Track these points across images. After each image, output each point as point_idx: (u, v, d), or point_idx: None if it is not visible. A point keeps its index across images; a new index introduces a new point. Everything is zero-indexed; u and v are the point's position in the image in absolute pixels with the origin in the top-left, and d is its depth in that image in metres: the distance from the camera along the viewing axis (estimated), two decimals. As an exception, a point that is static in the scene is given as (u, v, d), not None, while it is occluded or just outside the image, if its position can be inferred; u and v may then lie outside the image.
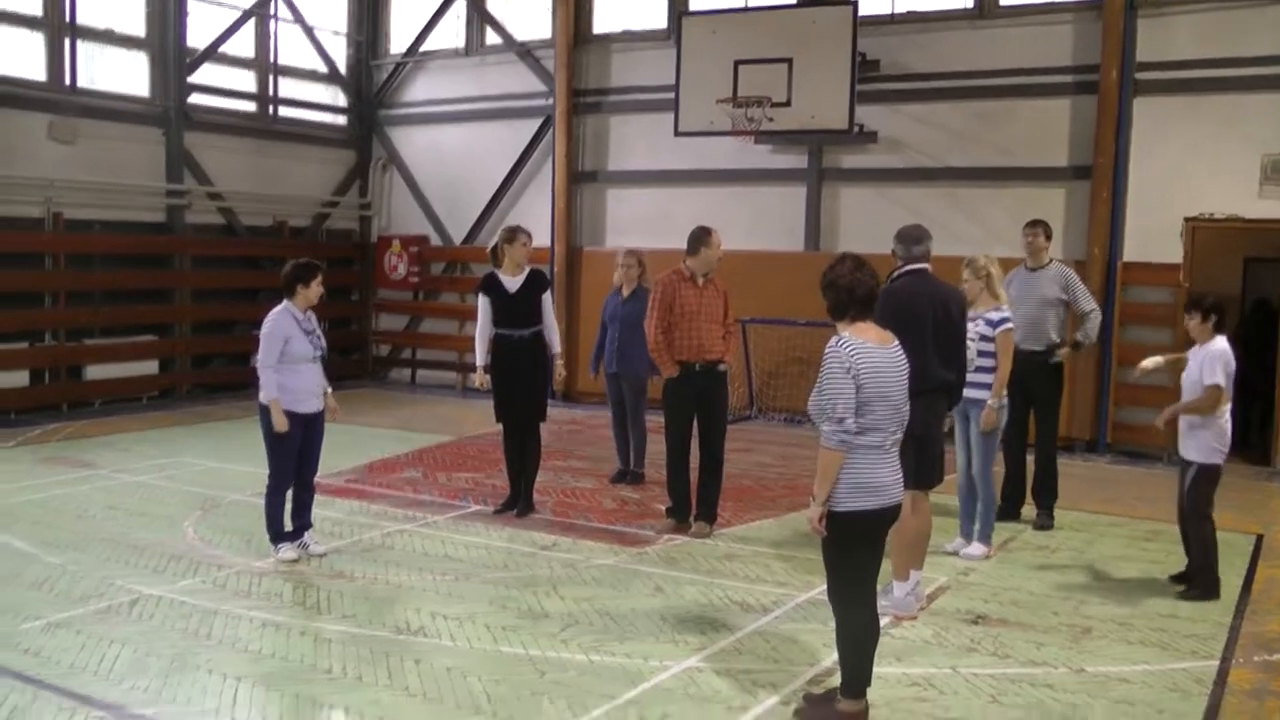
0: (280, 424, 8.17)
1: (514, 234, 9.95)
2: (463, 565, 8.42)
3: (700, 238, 9.42)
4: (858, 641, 5.58)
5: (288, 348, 8.27)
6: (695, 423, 9.44)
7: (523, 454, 10.05)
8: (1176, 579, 8.16)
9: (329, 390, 8.67)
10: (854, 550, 5.53)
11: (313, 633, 6.84)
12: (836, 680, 5.80)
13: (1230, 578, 8.27)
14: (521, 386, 9.87)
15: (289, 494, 8.48)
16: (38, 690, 5.90)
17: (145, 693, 5.91)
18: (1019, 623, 7.33)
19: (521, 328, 9.82)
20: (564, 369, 10.43)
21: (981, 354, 8.59)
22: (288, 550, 8.42)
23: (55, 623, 6.93)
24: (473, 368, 10.36)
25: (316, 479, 8.77)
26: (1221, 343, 7.82)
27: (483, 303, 9.92)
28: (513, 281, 9.86)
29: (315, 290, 8.47)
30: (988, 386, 8.59)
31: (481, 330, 9.92)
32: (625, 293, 11.43)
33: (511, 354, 9.83)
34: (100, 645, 6.58)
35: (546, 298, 9.97)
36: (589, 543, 9.11)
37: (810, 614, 7.33)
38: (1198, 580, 7.94)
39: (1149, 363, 8.44)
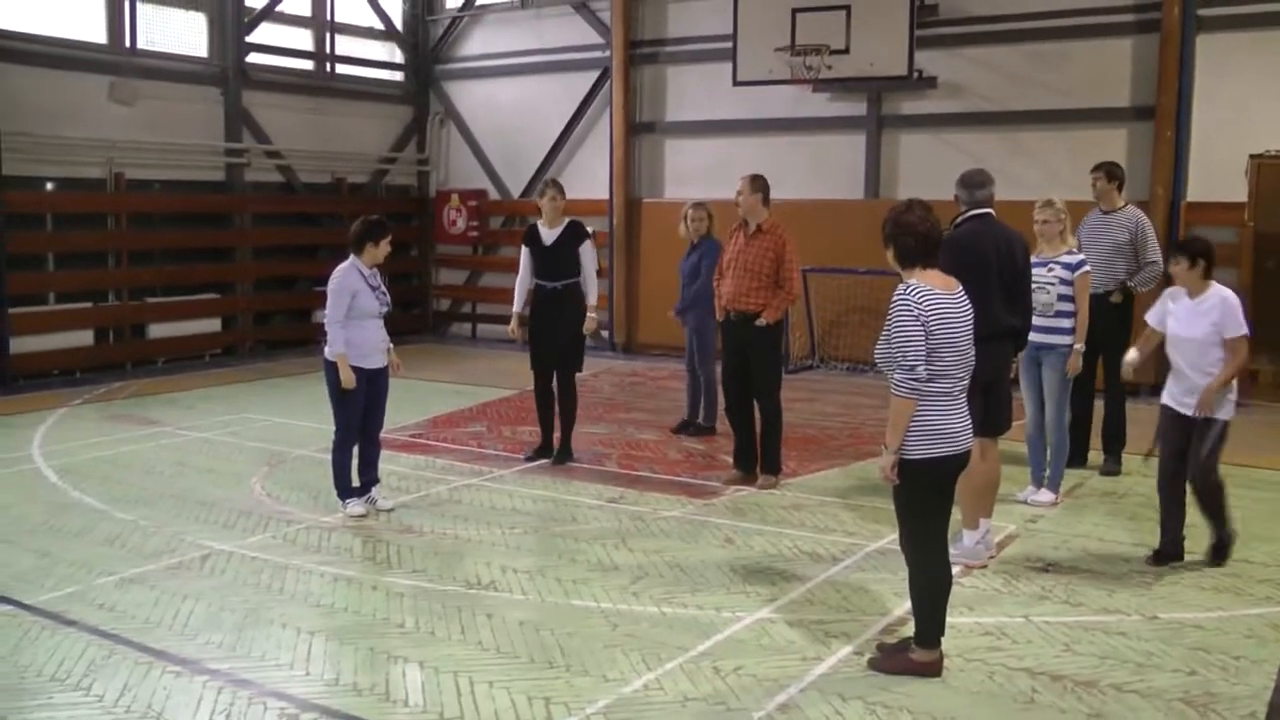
0: (348, 379, 8.22)
1: (544, 188, 10.17)
2: (530, 519, 8.46)
3: None
4: (930, 590, 5.57)
5: (355, 303, 8.30)
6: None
7: (558, 403, 10.19)
8: (1158, 558, 7.39)
9: (391, 346, 8.68)
10: (925, 498, 5.51)
11: (384, 587, 6.89)
12: (909, 630, 5.79)
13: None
14: (554, 336, 9.98)
15: (355, 449, 8.53)
16: (114, 645, 5.98)
17: (220, 647, 5.98)
18: (1090, 570, 7.26)
19: (555, 279, 9.96)
20: (595, 319, 10.31)
21: (1062, 298, 8.48)
22: (355, 505, 8.48)
23: (128, 578, 7.03)
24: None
25: (382, 434, 8.82)
26: (1225, 290, 7.08)
27: (524, 254, 10.21)
28: (550, 234, 10.01)
29: (384, 249, 8.51)
30: (1069, 331, 8.50)
31: (521, 280, 10.25)
32: (692, 245, 11.39)
33: (545, 304, 10.02)
34: (174, 600, 6.66)
35: (585, 248, 10.00)
36: (656, 495, 9.11)
37: (880, 564, 7.30)
38: (1218, 546, 7.32)
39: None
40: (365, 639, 6.07)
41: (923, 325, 5.31)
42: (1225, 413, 7.09)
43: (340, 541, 7.85)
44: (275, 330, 17.81)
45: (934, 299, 5.37)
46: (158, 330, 15.96)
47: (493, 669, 5.67)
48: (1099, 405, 9.90)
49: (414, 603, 6.62)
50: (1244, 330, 6.99)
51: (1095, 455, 9.90)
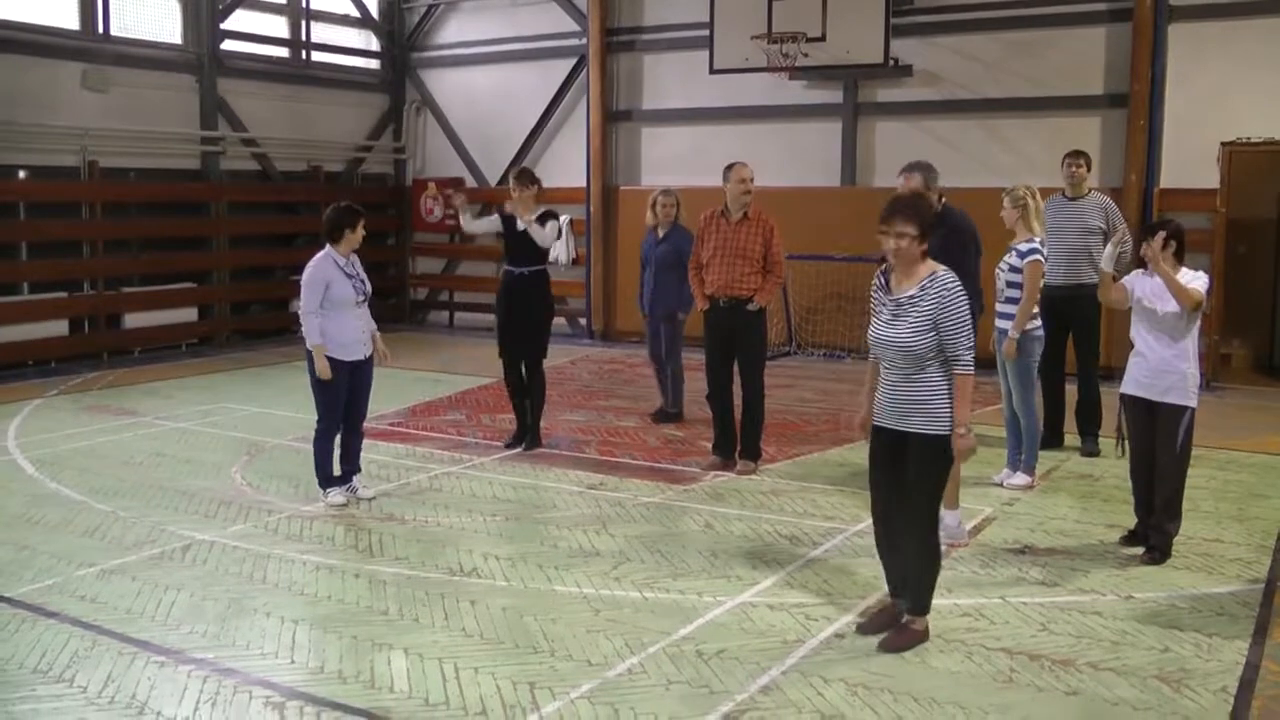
0: (323, 370, 8.23)
1: (530, 179, 10.21)
2: (511, 506, 8.49)
3: (724, 173, 9.41)
4: (935, 561, 5.83)
5: (330, 293, 8.28)
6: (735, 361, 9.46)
7: (526, 390, 10.25)
8: (1132, 538, 7.41)
9: (377, 334, 8.65)
10: (946, 474, 5.78)
11: (367, 575, 6.92)
12: (872, 602, 5.91)
13: (1275, 500, 8.34)
14: (520, 323, 10.07)
15: (338, 439, 8.54)
16: (97, 636, 5.98)
17: (204, 637, 5.99)
18: (1065, 551, 7.35)
19: (523, 265, 10.02)
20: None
21: (1010, 284, 8.59)
22: (336, 494, 8.49)
23: (109, 569, 7.02)
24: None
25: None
26: (1193, 273, 7.04)
27: (498, 220, 10.31)
28: (522, 221, 10.04)
29: (359, 235, 8.47)
30: (1007, 317, 8.63)
31: (478, 222, 10.53)
32: (661, 233, 11.41)
33: (512, 290, 10.08)
34: (156, 591, 6.66)
35: (549, 228, 10.02)
36: (635, 481, 9.16)
37: (859, 548, 7.35)
38: (1157, 538, 7.19)
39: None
40: (349, 627, 6.10)
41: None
42: (1191, 399, 7.02)
43: (322, 530, 7.87)
44: (252, 320, 17.78)
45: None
46: (133, 320, 15.91)
47: (477, 654, 5.71)
48: (1072, 390, 10.01)
49: (397, 590, 6.65)
50: (1206, 288, 7.04)
51: (1073, 439, 10.03)
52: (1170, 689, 5.32)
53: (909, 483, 5.70)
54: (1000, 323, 8.65)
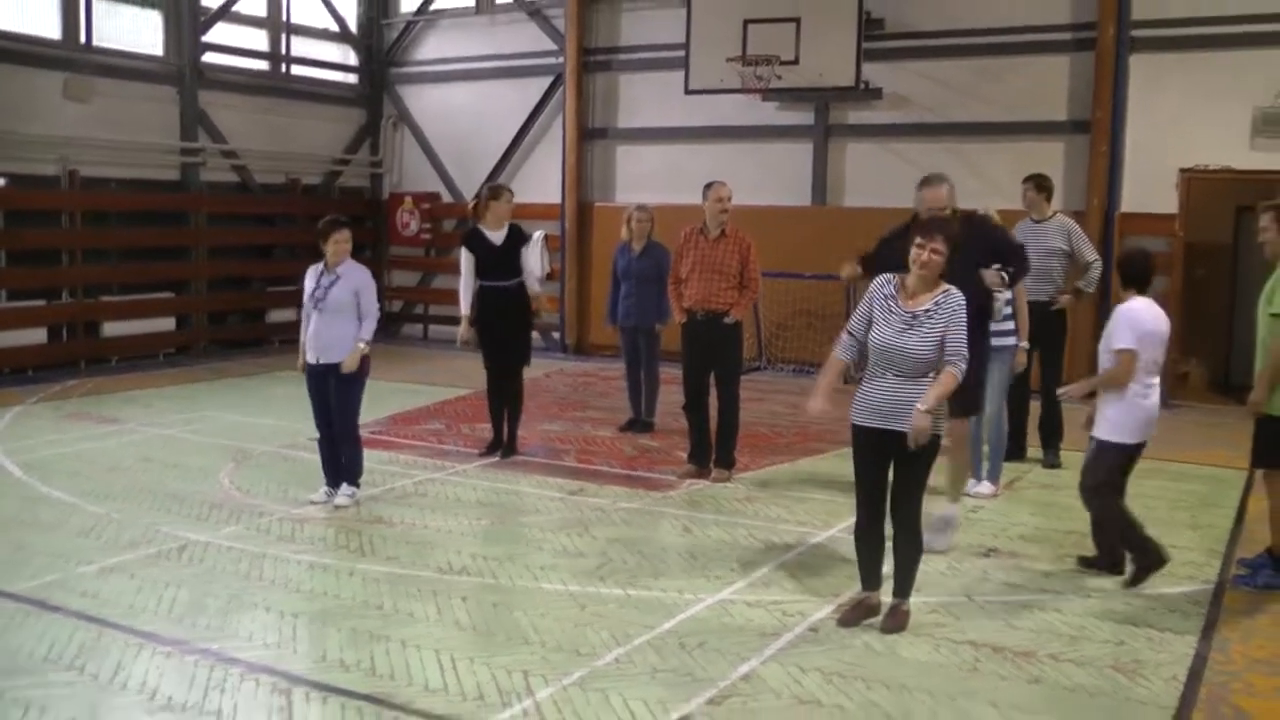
0: (298, 363, 8.87)
1: (499, 191, 10.48)
2: (495, 510, 8.78)
3: (704, 191, 9.75)
4: (920, 550, 6.38)
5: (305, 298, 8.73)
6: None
7: (506, 398, 10.53)
8: (1088, 562, 7.48)
9: (362, 344, 8.73)
10: (930, 468, 6.28)
11: (360, 573, 7.18)
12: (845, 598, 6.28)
13: (1226, 509, 8.77)
14: (507, 333, 10.35)
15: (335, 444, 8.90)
16: (101, 629, 6.20)
17: (207, 629, 6.23)
18: (1027, 555, 7.73)
19: (506, 279, 10.27)
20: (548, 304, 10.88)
21: (1008, 302, 8.96)
22: (315, 495, 8.88)
23: (108, 567, 7.23)
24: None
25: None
26: (1134, 302, 7.03)
27: (466, 257, 10.40)
28: (497, 235, 10.30)
29: (333, 246, 8.63)
30: (1010, 334, 9.00)
31: (466, 283, 10.40)
32: (637, 248, 11.72)
33: (497, 303, 10.30)
34: (156, 587, 6.89)
35: (528, 249, 10.36)
36: (614, 487, 9.47)
37: (830, 551, 7.71)
38: (1136, 563, 7.18)
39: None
40: (347, 620, 6.37)
41: None
42: (1104, 431, 7.10)
43: (313, 532, 8.12)
44: (230, 330, 17.95)
45: None
46: (112, 329, 16.05)
47: (471, 646, 6.00)
48: (1035, 405, 10.41)
49: (390, 587, 6.92)
50: (1124, 342, 6.94)
51: (1035, 451, 10.44)
52: (1125, 677, 5.70)
53: (903, 479, 6.15)
54: (995, 340, 8.81)
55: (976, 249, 7.15)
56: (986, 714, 5.27)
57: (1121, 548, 7.25)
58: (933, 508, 7.32)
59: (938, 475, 7.36)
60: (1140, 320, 6.93)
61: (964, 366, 6.02)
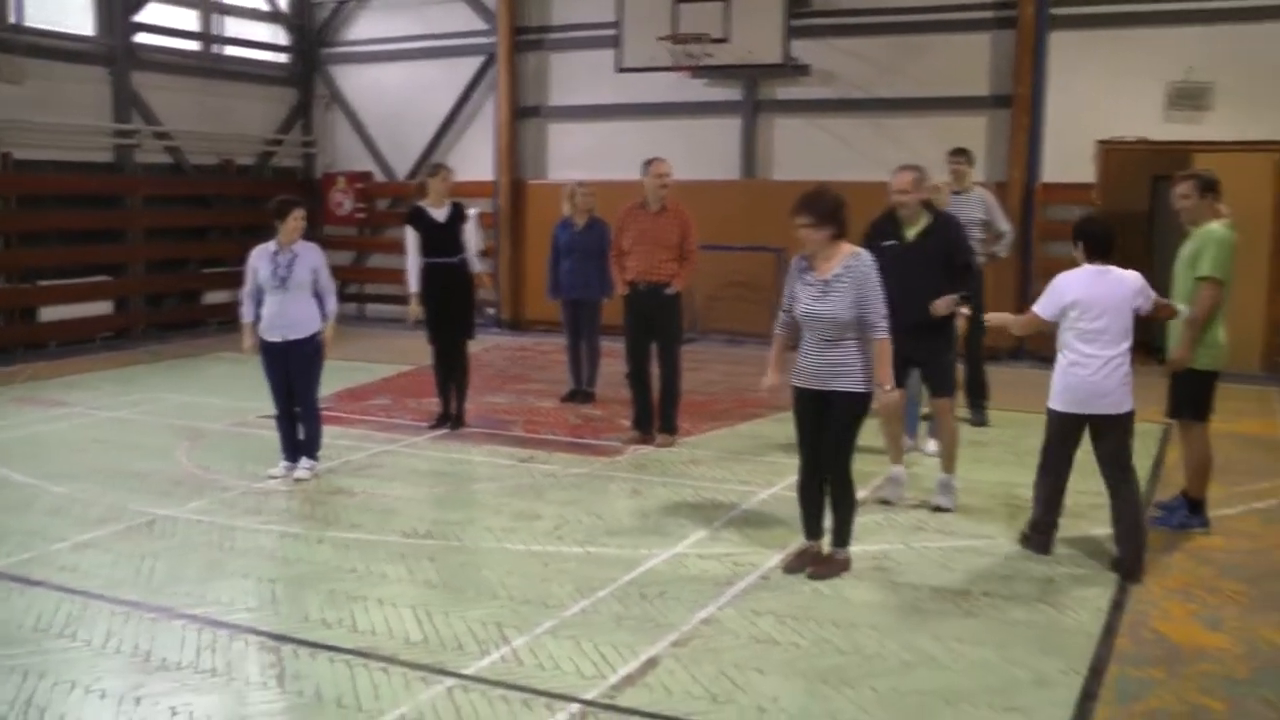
0: (245, 347, 9.05)
1: (436, 169, 10.84)
2: (451, 479, 9.14)
3: (644, 167, 10.16)
4: (854, 501, 6.84)
5: (258, 279, 8.92)
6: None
7: (454, 372, 10.85)
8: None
9: (332, 320, 9.15)
10: (861, 423, 6.71)
11: (329, 540, 7.49)
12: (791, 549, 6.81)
13: (1144, 459, 9.21)
14: (452, 308, 10.65)
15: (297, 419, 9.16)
16: (86, 600, 6.45)
17: (189, 596, 6.50)
18: (960, 506, 8.21)
19: (450, 255, 10.57)
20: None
21: None
22: (274, 469, 9.15)
23: (81, 543, 7.43)
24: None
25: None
26: (1071, 271, 6.95)
27: (411, 234, 10.67)
28: (439, 212, 10.61)
29: (291, 224, 8.87)
30: None
31: (413, 260, 10.66)
32: (580, 223, 12.07)
33: (443, 279, 10.58)
34: (132, 560, 7.13)
35: (467, 227, 10.69)
36: (563, 454, 9.84)
37: (774, 507, 8.16)
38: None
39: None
40: (324, 583, 6.69)
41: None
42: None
43: (277, 504, 8.40)
44: (167, 313, 17.98)
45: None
46: (49, 313, 16.05)
47: (444, 602, 6.36)
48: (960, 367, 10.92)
49: (360, 552, 7.24)
50: (1036, 305, 7.04)
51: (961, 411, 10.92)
52: (1054, 610, 6.23)
53: (834, 434, 6.59)
54: None
55: (938, 245, 7.90)
56: (929, 645, 5.74)
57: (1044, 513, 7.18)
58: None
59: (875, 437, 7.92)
60: (1060, 289, 6.86)
61: (884, 329, 6.47)
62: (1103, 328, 6.72)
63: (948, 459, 8.24)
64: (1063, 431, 6.95)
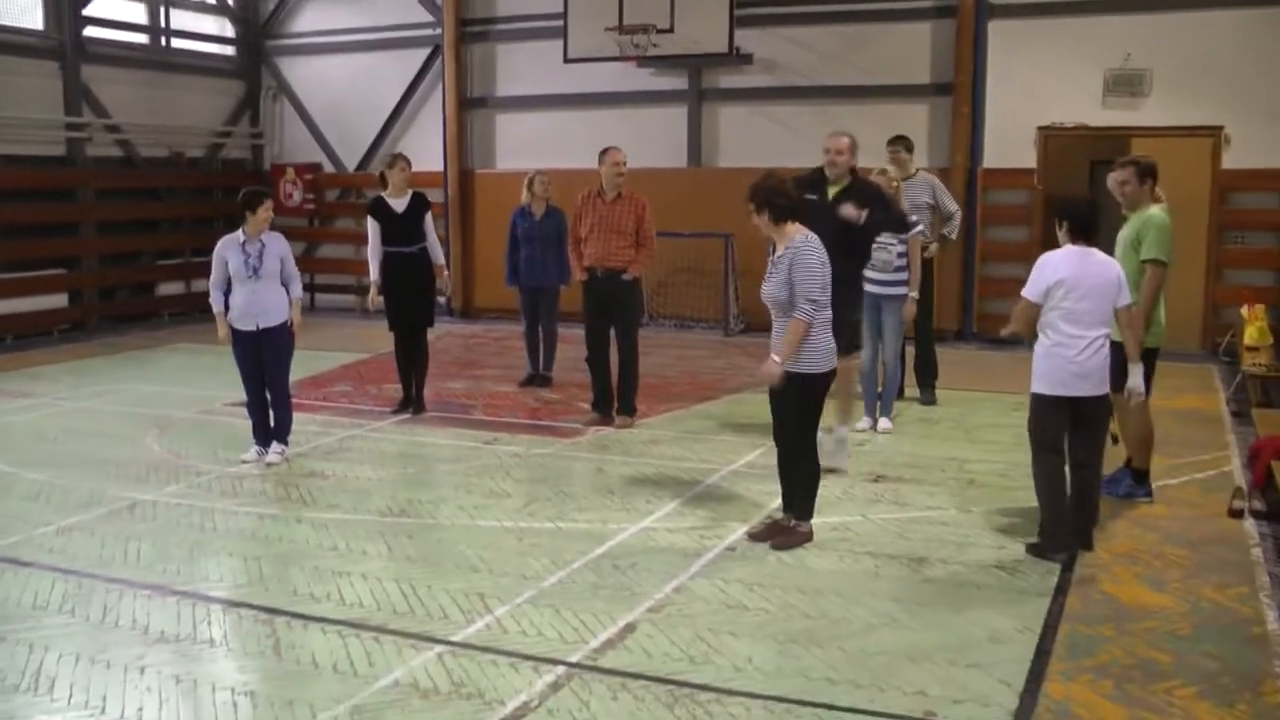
0: (219, 336, 9.28)
1: (394, 160, 11.05)
2: (420, 460, 9.44)
3: (600, 156, 10.50)
4: (813, 476, 7.14)
5: (229, 269, 9.13)
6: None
7: (414, 358, 11.12)
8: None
9: (294, 307, 9.46)
10: (819, 404, 7.05)
11: (308, 520, 7.76)
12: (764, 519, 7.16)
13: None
14: (413, 297, 10.90)
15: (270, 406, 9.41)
16: (80, 579, 6.68)
17: (178, 575, 6.76)
18: (914, 480, 8.64)
19: (410, 245, 10.84)
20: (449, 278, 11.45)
21: (900, 255, 9.96)
22: (247, 454, 9.38)
23: (65, 527, 7.65)
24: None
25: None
26: (1054, 252, 6.90)
27: (372, 225, 10.93)
28: (399, 203, 10.88)
29: (262, 215, 9.14)
30: (902, 284, 10.01)
31: (373, 249, 10.93)
32: (538, 212, 12.34)
33: (403, 268, 10.84)
34: (119, 541, 7.37)
35: (428, 218, 10.98)
36: (526, 436, 10.17)
37: (735, 482, 8.55)
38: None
39: None
40: (308, 560, 6.97)
41: (822, 265, 6.80)
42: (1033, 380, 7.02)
43: (253, 487, 8.66)
44: (121, 305, 18.02)
45: (821, 246, 6.84)
46: (3, 306, 16.02)
47: (426, 576, 6.66)
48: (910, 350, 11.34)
49: (339, 530, 7.52)
50: (1025, 291, 6.92)
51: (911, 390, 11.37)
52: (1007, 574, 6.64)
53: (789, 412, 7.02)
54: (890, 289, 10.02)
55: (862, 202, 8.44)
56: (890, 608, 6.12)
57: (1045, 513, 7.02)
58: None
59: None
60: (1047, 268, 6.78)
61: (807, 310, 6.76)
62: (1087, 308, 6.70)
63: (843, 413, 8.80)
64: (1048, 416, 6.84)
